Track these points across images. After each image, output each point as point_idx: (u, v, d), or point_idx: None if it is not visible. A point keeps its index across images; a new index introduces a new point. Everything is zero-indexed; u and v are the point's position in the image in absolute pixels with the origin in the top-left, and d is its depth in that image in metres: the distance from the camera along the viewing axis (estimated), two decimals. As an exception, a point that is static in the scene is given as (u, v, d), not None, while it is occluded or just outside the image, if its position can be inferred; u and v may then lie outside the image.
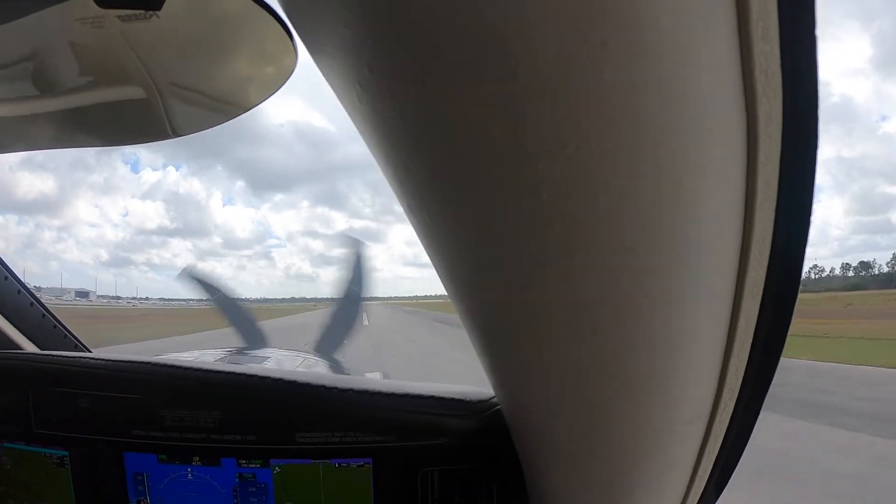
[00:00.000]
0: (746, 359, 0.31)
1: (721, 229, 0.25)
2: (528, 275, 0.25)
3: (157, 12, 0.41)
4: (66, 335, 0.78)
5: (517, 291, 0.27)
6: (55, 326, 0.76)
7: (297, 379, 0.55)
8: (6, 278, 0.70)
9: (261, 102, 0.45)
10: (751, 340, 0.30)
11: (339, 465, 0.56)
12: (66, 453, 0.62)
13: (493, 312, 0.30)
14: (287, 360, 1.38)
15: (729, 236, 0.25)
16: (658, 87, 0.18)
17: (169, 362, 0.59)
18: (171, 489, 0.60)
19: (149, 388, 0.58)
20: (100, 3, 0.44)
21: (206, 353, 1.33)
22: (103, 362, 0.59)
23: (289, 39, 0.36)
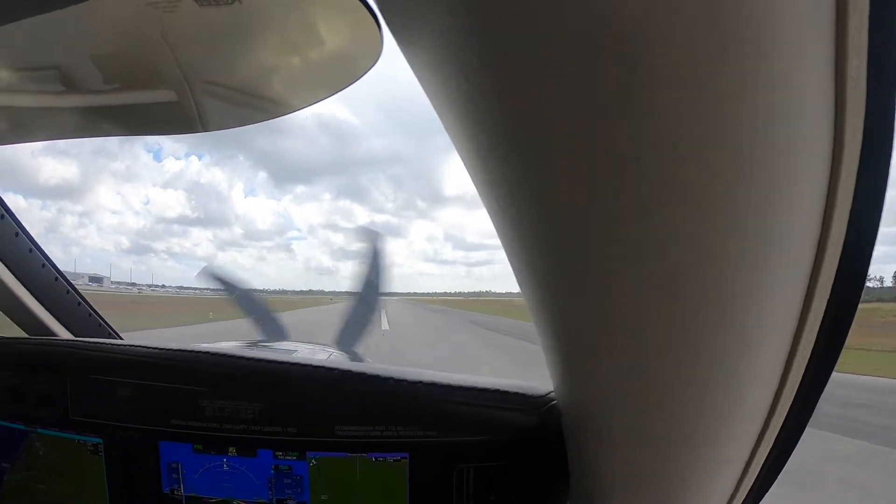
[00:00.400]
0: (807, 360, 0.31)
1: (800, 234, 0.25)
2: (615, 274, 0.25)
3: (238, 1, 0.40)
4: (100, 323, 0.78)
5: (600, 290, 0.27)
6: (90, 315, 0.76)
7: (343, 368, 0.55)
8: (43, 266, 0.70)
9: (338, 91, 0.45)
10: (813, 342, 0.31)
11: (376, 459, 0.55)
12: (101, 441, 0.62)
13: (571, 309, 0.30)
14: (314, 353, 1.38)
15: (806, 241, 0.26)
16: (766, 92, 0.19)
17: (212, 350, 0.59)
18: (205, 479, 0.60)
19: (190, 377, 0.57)
20: None
21: (226, 345, 1.33)
22: (144, 350, 0.59)
23: (376, 27, 0.35)
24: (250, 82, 0.57)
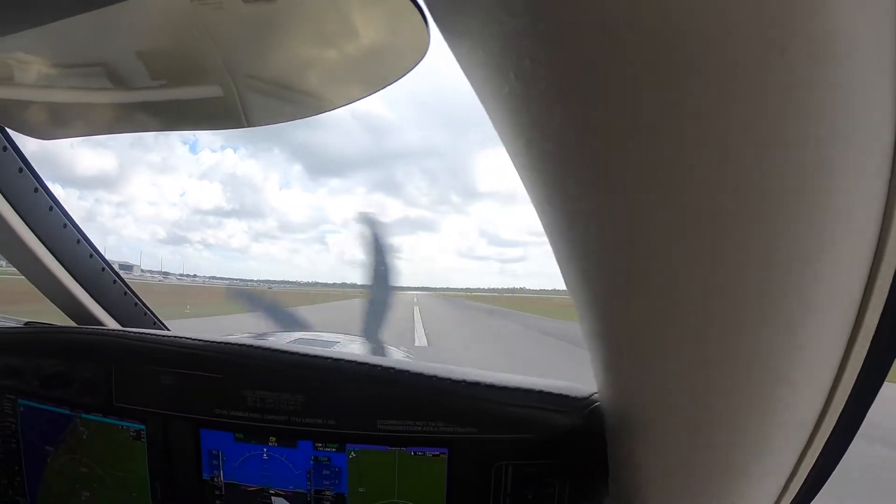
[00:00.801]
0: (859, 369, 0.31)
1: (858, 238, 0.25)
2: (669, 276, 0.25)
3: None
4: (146, 313, 0.80)
5: (653, 292, 0.27)
6: (136, 304, 0.78)
7: (385, 364, 0.56)
8: (91, 256, 0.72)
9: (383, 87, 0.46)
10: (866, 351, 0.30)
11: (415, 453, 0.56)
12: (143, 427, 0.64)
13: (622, 310, 0.30)
14: (346, 344, 1.39)
15: (862, 245, 0.25)
16: (826, 93, 0.19)
17: (255, 344, 0.61)
18: (244, 467, 0.61)
19: (233, 368, 0.59)
20: None
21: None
22: (188, 341, 0.61)
23: (423, 23, 0.36)
24: (293, 78, 0.59)
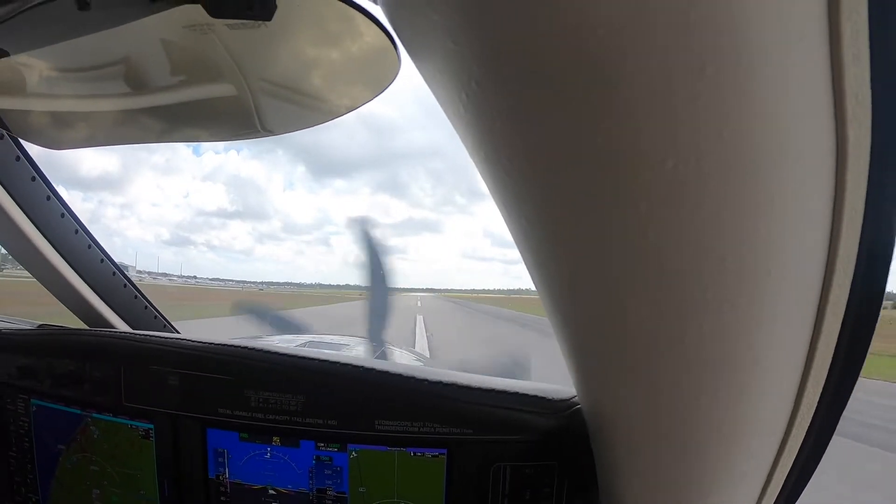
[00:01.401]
0: (825, 375, 0.31)
1: (807, 246, 0.25)
2: (621, 280, 0.26)
3: (266, 23, 0.43)
4: (156, 316, 0.82)
5: (610, 296, 0.28)
6: (146, 307, 0.81)
7: (380, 368, 0.58)
8: (102, 261, 0.74)
9: (358, 107, 0.48)
10: (831, 357, 0.31)
11: (415, 454, 0.58)
12: (152, 426, 0.66)
13: (585, 315, 0.31)
14: (360, 347, 1.41)
15: (814, 253, 0.26)
16: (752, 109, 0.19)
17: (258, 346, 0.63)
18: (249, 466, 0.63)
19: (237, 369, 0.61)
20: (212, 13, 0.46)
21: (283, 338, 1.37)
22: (194, 343, 0.63)
23: (393, 50, 0.38)
24: (297, 91, 0.61)
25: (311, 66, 0.52)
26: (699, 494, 0.37)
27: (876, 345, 0.31)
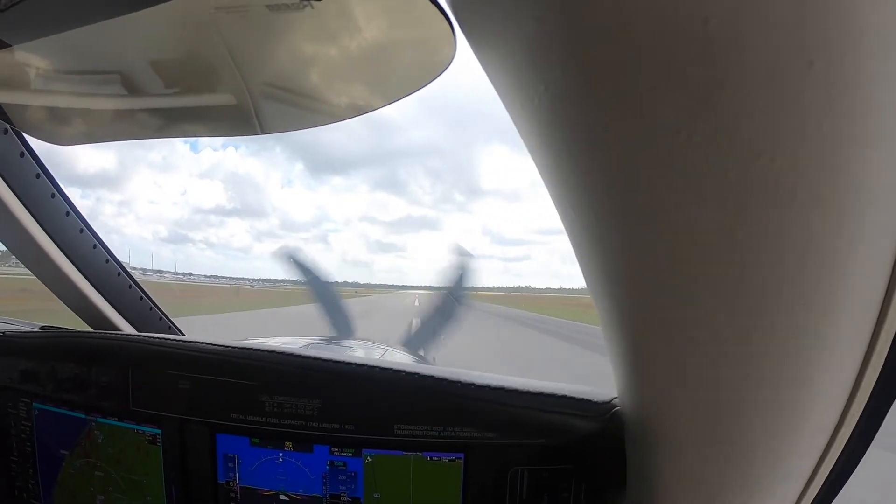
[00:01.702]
0: (877, 375, 0.31)
1: (881, 244, 0.25)
2: (697, 278, 0.25)
3: (311, 3, 0.41)
4: (161, 317, 0.81)
5: (681, 294, 0.27)
6: (151, 309, 0.79)
7: (402, 369, 0.56)
8: (107, 261, 0.73)
9: (407, 95, 0.46)
10: (885, 357, 0.30)
11: (431, 458, 0.57)
12: (159, 431, 0.64)
13: (649, 314, 0.31)
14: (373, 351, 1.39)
15: (887, 251, 0.25)
16: (853, 103, 0.19)
17: (271, 348, 0.61)
18: (260, 472, 0.62)
19: (250, 373, 0.59)
20: None
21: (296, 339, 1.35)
22: (206, 346, 0.61)
23: (450, 32, 0.36)
24: (314, 84, 0.59)
25: (359, 52, 0.49)
26: (741, 496, 0.37)
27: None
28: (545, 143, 0.26)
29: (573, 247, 0.32)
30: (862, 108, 0.19)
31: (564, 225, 0.31)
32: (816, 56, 0.17)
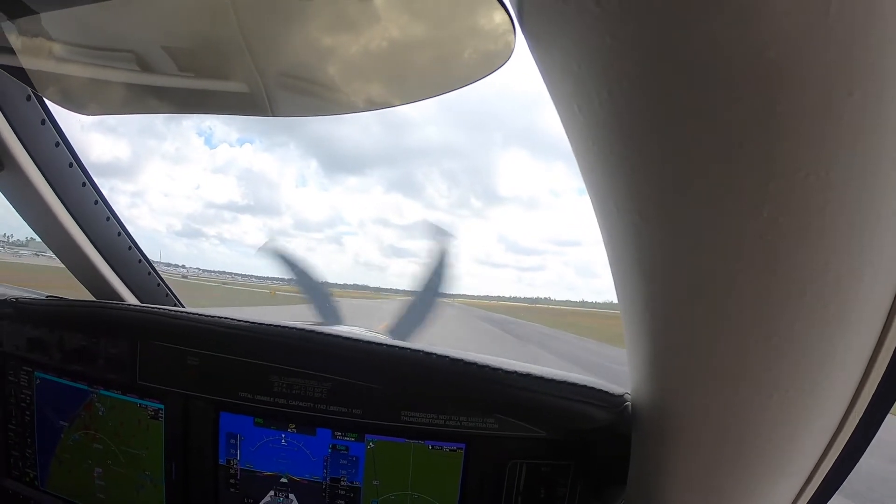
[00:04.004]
0: (881, 378, 0.32)
1: (892, 259, 0.26)
2: (726, 279, 0.27)
3: None
4: (167, 293, 0.80)
5: (708, 294, 0.28)
6: (159, 284, 0.79)
7: (424, 349, 0.55)
8: (119, 234, 0.72)
9: (458, 88, 0.45)
10: (885, 366, 0.32)
11: (433, 447, 0.57)
12: (163, 406, 0.64)
13: (675, 312, 0.32)
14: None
15: (893, 266, 0.27)
16: (885, 131, 0.21)
17: (284, 324, 0.60)
18: (262, 452, 0.62)
19: (264, 352, 0.59)
20: None
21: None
22: (217, 320, 0.61)
23: (511, 32, 0.36)
24: (370, 66, 0.58)
25: (416, 42, 0.48)
26: (744, 491, 0.38)
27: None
28: (598, 146, 0.27)
29: (606, 246, 0.33)
30: (892, 136, 0.21)
31: (602, 224, 0.32)
32: (855, 87, 0.19)
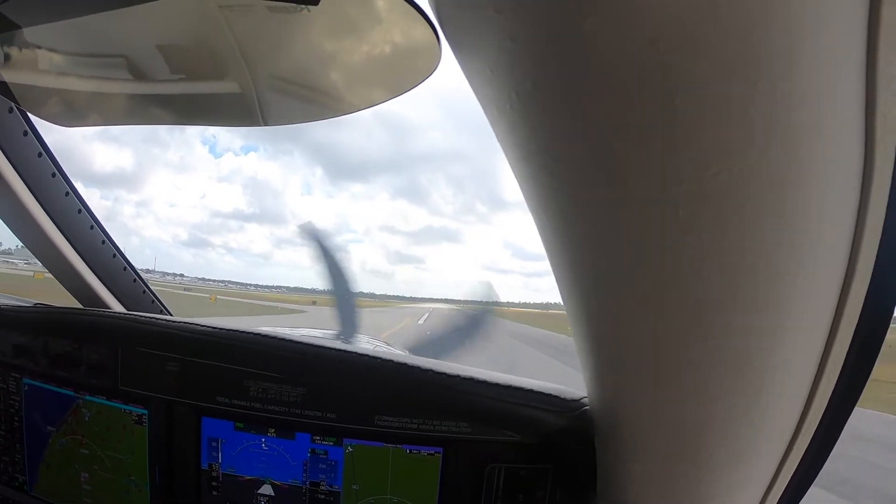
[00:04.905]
0: (836, 379, 0.33)
1: (830, 256, 0.26)
2: (655, 282, 0.27)
3: (309, 7, 0.42)
4: (153, 300, 0.82)
5: (641, 297, 0.29)
6: (144, 292, 0.80)
7: (384, 356, 0.57)
8: (103, 242, 0.73)
9: (391, 98, 0.47)
10: (842, 362, 0.32)
11: (411, 451, 0.58)
12: (146, 412, 0.65)
13: (613, 316, 0.32)
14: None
15: (836, 263, 0.27)
16: (794, 124, 0.20)
17: (260, 332, 0.62)
18: (243, 456, 0.63)
19: (240, 357, 0.60)
20: None
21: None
22: (195, 327, 0.62)
23: (436, 43, 0.37)
24: (309, 79, 0.60)
25: (348, 56, 0.51)
26: (705, 497, 0.38)
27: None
28: (518, 150, 0.27)
29: (545, 250, 0.33)
30: (806, 126, 0.20)
31: (539, 230, 0.32)
32: (760, 77, 0.19)
